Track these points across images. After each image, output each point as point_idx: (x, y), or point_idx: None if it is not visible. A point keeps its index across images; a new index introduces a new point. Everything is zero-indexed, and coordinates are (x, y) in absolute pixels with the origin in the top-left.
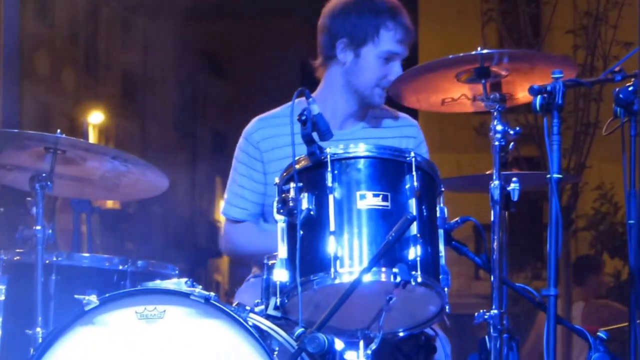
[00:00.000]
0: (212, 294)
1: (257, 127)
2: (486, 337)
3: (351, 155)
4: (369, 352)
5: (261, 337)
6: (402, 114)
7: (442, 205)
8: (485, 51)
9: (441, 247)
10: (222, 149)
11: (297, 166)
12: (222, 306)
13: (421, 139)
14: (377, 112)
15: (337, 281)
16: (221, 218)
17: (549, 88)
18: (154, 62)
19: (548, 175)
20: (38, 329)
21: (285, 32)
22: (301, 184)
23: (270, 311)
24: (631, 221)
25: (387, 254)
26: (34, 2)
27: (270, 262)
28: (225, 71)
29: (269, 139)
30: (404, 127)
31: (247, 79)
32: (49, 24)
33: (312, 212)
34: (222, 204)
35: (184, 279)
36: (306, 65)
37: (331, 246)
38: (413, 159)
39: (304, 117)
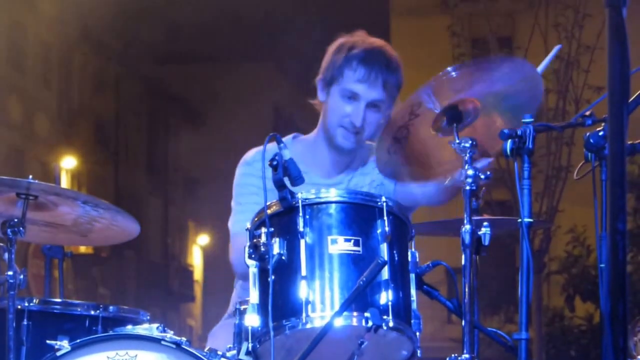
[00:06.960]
0: (184, 339)
1: (257, 158)
2: None
3: (322, 200)
4: None
5: None
6: None
7: (413, 249)
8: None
9: (412, 292)
10: (195, 194)
11: (269, 211)
12: (193, 351)
13: None
14: (364, 155)
15: (308, 325)
16: (234, 232)
17: (519, 132)
18: (127, 108)
19: (519, 220)
20: None
21: (258, 78)
22: (272, 229)
23: (242, 356)
24: (602, 265)
25: (359, 298)
26: (7, 47)
27: (242, 307)
28: (198, 116)
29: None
30: None
31: (220, 124)
32: (22, 70)
33: (283, 257)
34: (231, 224)
35: (156, 324)
36: (279, 111)
37: (303, 291)
38: (384, 204)
39: (275, 163)
